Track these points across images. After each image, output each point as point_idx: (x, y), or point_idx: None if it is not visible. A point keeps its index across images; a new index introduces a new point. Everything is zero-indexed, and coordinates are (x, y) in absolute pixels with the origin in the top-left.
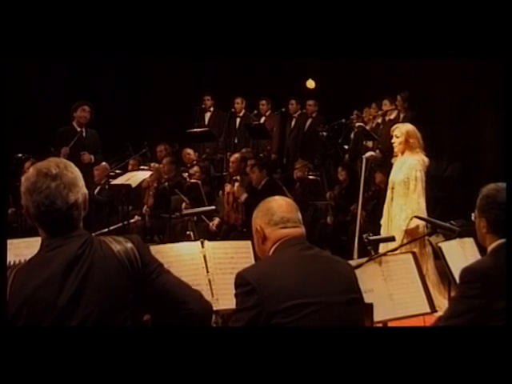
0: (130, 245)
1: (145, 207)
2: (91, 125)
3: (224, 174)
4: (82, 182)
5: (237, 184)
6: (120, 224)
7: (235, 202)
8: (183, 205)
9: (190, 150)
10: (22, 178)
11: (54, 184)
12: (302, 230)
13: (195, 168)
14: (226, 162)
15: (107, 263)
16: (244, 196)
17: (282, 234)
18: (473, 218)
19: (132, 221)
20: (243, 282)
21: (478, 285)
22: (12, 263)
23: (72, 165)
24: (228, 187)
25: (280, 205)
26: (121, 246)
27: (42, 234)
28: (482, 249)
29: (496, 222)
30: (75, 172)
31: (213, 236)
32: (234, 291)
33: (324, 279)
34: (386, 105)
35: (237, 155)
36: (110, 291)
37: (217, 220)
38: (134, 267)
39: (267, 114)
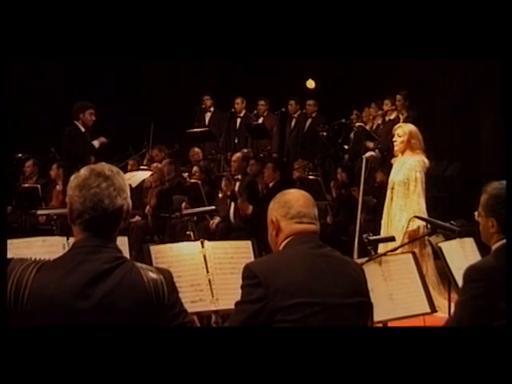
0: (161, 277)
1: (147, 207)
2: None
3: (224, 173)
4: (129, 192)
5: (239, 200)
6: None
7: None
8: (183, 204)
9: (197, 150)
10: (72, 177)
11: (105, 184)
12: (316, 227)
13: (195, 168)
14: (227, 162)
15: (135, 288)
16: (250, 209)
17: (296, 229)
18: (476, 217)
19: (133, 220)
20: (250, 275)
21: (483, 283)
22: (29, 259)
23: (122, 173)
24: (224, 182)
25: (298, 198)
26: (152, 275)
27: (78, 233)
28: (482, 249)
29: (505, 221)
30: (125, 180)
31: (213, 236)
32: (234, 291)
33: (331, 279)
34: (387, 105)
35: (238, 154)
36: (128, 316)
37: (217, 219)
38: (160, 301)
39: (265, 114)
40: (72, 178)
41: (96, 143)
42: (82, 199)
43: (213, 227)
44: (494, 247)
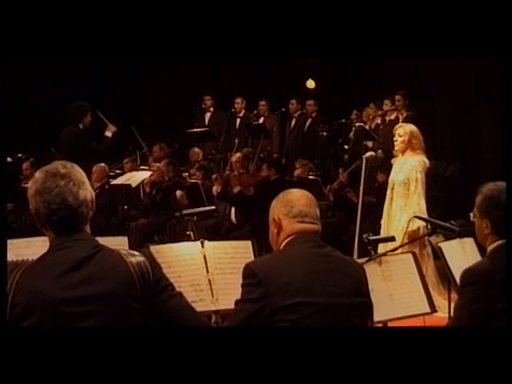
0: (142, 258)
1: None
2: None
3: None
4: (87, 181)
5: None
6: None
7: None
8: (178, 193)
9: (197, 150)
10: (30, 183)
11: (63, 182)
12: (317, 226)
13: (195, 168)
14: (227, 162)
15: (118, 271)
16: (237, 189)
17: (297, 228)
18: (471, 218)
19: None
20: (250, 274)
21: (480, 286)
22: (15, 261)
23: (77, 166)
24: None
25: (300, 198)
26: (134, 258)
27: (51, 235)
28: (482, 249)
29: (499, 222)
30: (82, 172)
31: (213, 236)
32: (234, 291)
33: (332, 279)
34: (387, 105)
35: (239, 154)
36: (117, 298)
37: (219, 187)
38: (145, 280)
39: (266, 114)
40: (29, 184)
41: (108, 133)
42: (46, 204)
43: (217, 191)
44: (489, 249)
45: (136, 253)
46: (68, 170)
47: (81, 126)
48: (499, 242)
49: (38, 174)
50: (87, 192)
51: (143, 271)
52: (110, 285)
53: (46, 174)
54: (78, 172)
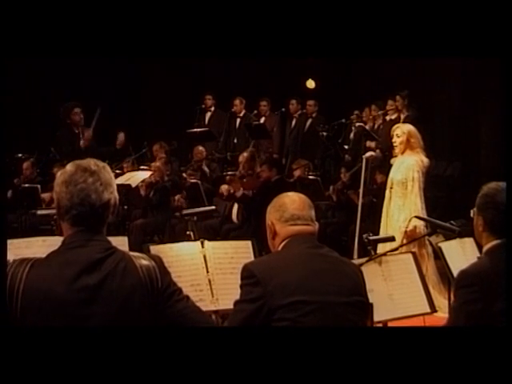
0: (152, 263)
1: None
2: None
3: (224, 174)
4: (115, 186)
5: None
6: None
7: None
8: (176, 197)
9: (201, 148)
10: (58, 173)
11: (91, 179)
12: (312, 228)
13: (195, 167)
14: (226, 162)
15: (128, 275)
16: (240, 192)
17: (291, 231)
18: (471, 214)
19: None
20: (248, 275)
21: (475, 288)
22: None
23: (109, 168)
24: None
25: (293, 201)
26: (144, 262)
27: (67, 229)
28: (481, 248)
29: (492, 221)
30: (111, 174)
31: (213, 236)
32: (234, 291)
33: (329, 278)
34: (391, 105)
35: (245, 154)
36: (125, 302)
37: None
38: (154, 285)
39: (267, 114)
40: (58, 174)
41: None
42: (69, 195)
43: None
44: (484, 249)
45: (146, 257)
46: (99, 168)
47: (74, 127)
48: (494, 243)
49: (69, 166)
50: (112, 196)
51: (152, 277)
52: (120, 289)
53: (76, 167)
54: (108, 174)
